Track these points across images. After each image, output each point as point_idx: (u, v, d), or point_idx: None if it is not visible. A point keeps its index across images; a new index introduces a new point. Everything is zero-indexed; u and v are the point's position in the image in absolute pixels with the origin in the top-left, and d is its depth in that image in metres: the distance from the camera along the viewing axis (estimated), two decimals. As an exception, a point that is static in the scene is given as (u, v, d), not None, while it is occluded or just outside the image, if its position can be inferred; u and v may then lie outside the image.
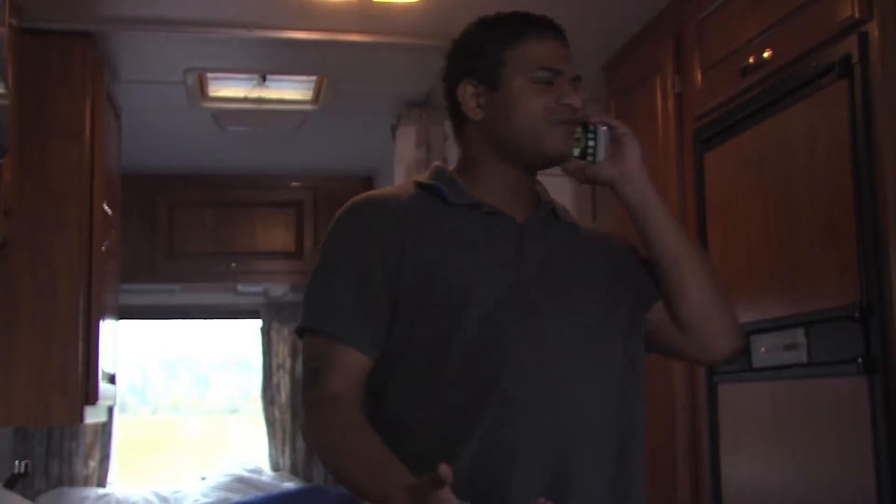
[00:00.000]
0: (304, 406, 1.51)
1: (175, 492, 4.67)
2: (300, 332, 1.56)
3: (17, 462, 2.80)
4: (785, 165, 2.14)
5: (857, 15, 1.91)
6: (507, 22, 1.58)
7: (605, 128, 1.56)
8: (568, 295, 1.49)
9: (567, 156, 1.53)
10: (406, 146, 3.65)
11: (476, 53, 1.56)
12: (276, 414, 5.09)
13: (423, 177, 1.60)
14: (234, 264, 4.62)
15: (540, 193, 1.61)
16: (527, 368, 1.42)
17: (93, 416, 2.90)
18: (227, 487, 4.66)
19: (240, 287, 4.80)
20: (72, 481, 4.63)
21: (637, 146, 1.56)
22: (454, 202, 1.52)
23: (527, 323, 1.44)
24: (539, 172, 1.58)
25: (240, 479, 4.74)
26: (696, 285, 1.54)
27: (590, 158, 1.55)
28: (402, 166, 3.67)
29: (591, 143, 1.55)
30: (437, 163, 1.67)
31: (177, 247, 4.59)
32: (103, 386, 2.90)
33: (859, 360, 1.85)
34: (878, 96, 1.87)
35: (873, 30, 1.88)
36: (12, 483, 2.69)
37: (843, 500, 1.93)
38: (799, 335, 2.05)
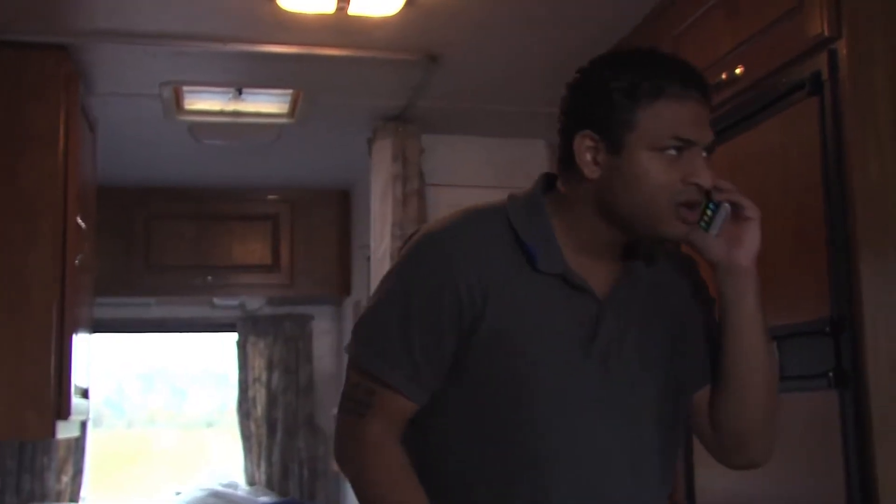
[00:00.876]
0: (340, 430, 1.44)
1: (151, 508, 4.64)
2: (354, 357, 1.45)
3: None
4: (756, 180, 2.15)
5: (826, 33, 1.93)
6: (645, 70, 1.37)
7: (727, 204, 1.40)
8: (625, 383, 1.39)
9: (684, 238, 1.39)
10: (382, 160, 3.65)
11: (602, 104, 1.37)
12: (252, 428, 5.07)
13: (520, 217, 1.42)
14: (210, 277, 4.61)
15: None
16: (561, 463, 1.37)
17: (65, 430, 2.87)
18: (202, 502, 4.63)
19: (216, 300, 4.78)
20: (44, 497, 4.58)
21: (758, 237, 1.42)
22: (544, 270, 1.38)
23: (574, 416, 1.38)
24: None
25: (215, 494, 4.71)
26: (753, 407, 1.42)
27: (703, 225, 1.40)
28: (379, 180, 3.67)
29: (709, 212, 1.39)
30: (540, 198, 1.46)
31: (153, 260, 4.57)
32: (76, 400, 2.87)
33: (830, 374, 1.86)
34: (847, 112, 1.88)
35: (842, 47, 1.90)
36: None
37: (815, 514, 1.94)
38: (800, 346, 2.06)
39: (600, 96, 1.37)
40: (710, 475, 2.34)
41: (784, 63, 2.06)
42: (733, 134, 2.24)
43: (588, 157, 1.38)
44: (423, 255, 1.41)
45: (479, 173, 3.78)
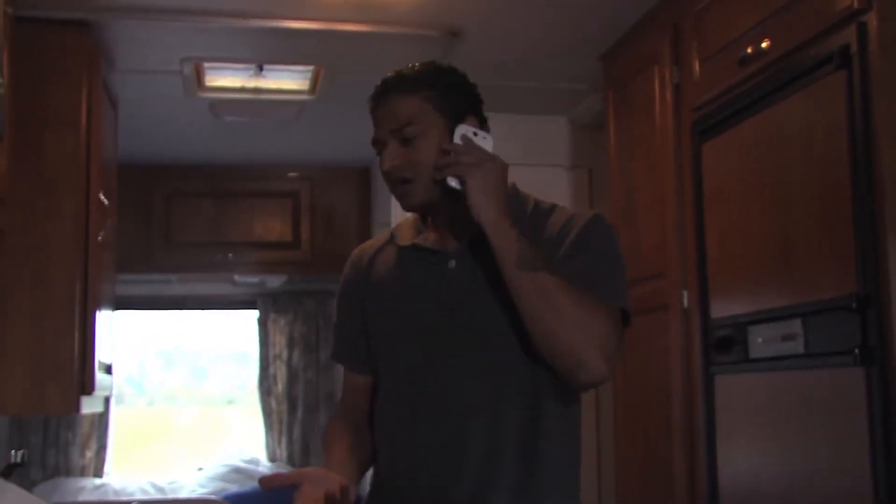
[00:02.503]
0: None
1: (172, 482, 4.68)
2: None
3: (13, 451, 2.79)
4: (782, 156, 2.14)
5: (856, 5, 1.90)
6: None
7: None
8: (466, 315, 1.65)
9: (409, 207, 1.70)
10: (404, 136, 3.63)
11: None
12: (273, 405, 5.10)
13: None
14: (230, 255, 4.62)
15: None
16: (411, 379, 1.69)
17: (89, 406, 2.89)
18: (223, 478, 4.66)
19: (237, 277, 4.79)
20: (68, 471, 4.64)
21: (471, 192, 1.56)
22: (399, 243, 1.77)
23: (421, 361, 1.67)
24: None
25: (236, 470, 4.74)
26: (541, 333, 1.54)
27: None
28: (400, 157, 3.65)
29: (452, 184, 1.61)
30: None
31: (173, 237, 4.59)
32: (100, 376, 2.89)
33: (856, 350, 1.85)
34: (876, 87, 1.86)
35: (872, 20, 1.88)
36: (8, 472, 2.68)
37: (840, 491, 1.93)
38: (796, 326, 2.05)
39: None
40: (733, 454, 2.34)
41: (812, 36, 2.04)
42: (759, 108, 2.22)
43: None
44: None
45: (500, 150, 3.72)
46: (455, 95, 1.66)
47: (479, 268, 1.64)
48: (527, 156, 3.76)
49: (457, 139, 1.60)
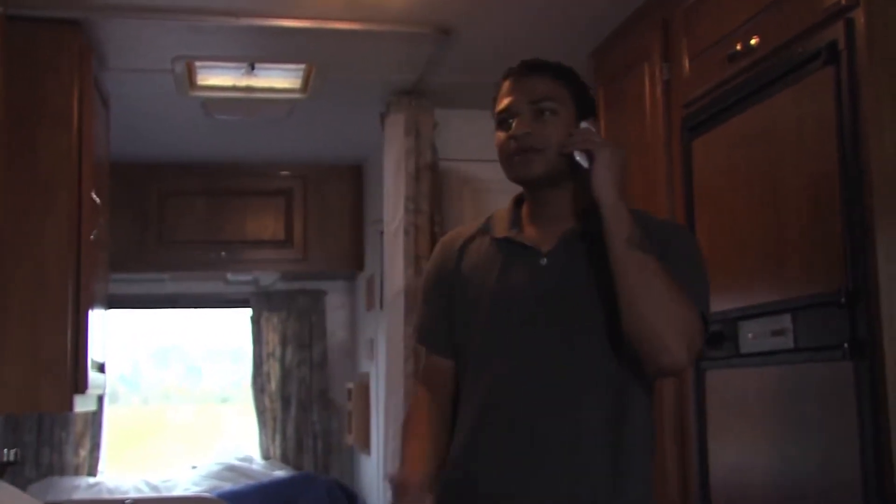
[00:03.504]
0: None
1: (166, 480, 4.68)
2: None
3: (6, 450, 2.79)
4: (772, 151, 2.14)
5: (843, 2, 1.91)
6: None
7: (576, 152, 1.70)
8: (556, 311, 1.70)
9: (528, 176, 1.72)
10: (395, 134, 3.65)
11: None
12: (267, 403, 5.10)
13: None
14: (223, 253, 4.62)
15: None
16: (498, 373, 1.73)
17: (82, 404, 2.89)
18: (217, 476, 4.66)
19: (230, 276, 4.79)
20: (62, 470, 4.63)
21: (599, 171, 1.66)
22: (494, 235, 1.81)
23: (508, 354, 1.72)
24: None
25: (230, 468, 4.75)
26: (636, 315, 1.61)
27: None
28: (392, 154, 3.67)
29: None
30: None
31: (166, 236, 4.59)
32: (93, 374, 2.89)
33: (845, 345, 1.85)
34: (864, 83, 1.87)
35: (859, 16, 1.88)
36: (1, 471, 2.68)
37: (829, 485, 1.94)
38: (785, 321, 2.06)
39: None
40: (724, 448, 2.35)
41: (800, 33, 2.04)
42: (749, 104, 2.22)
43: None
44: None
45: (492, 148, 3.72)
46: (585, 94, 1.78)
47: (570, 266, 1.70)
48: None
49: (582, 128, 1.71)
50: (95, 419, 4.75)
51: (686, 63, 2.55)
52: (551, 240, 1.73)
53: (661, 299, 1.60)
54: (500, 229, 1.79)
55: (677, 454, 2.57)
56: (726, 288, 2.34)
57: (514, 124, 1.71)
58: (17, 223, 2.71)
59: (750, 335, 2.20)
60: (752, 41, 2.20)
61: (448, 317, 1.81)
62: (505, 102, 1.74)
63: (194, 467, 4.86)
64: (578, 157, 1.66)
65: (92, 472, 4.74)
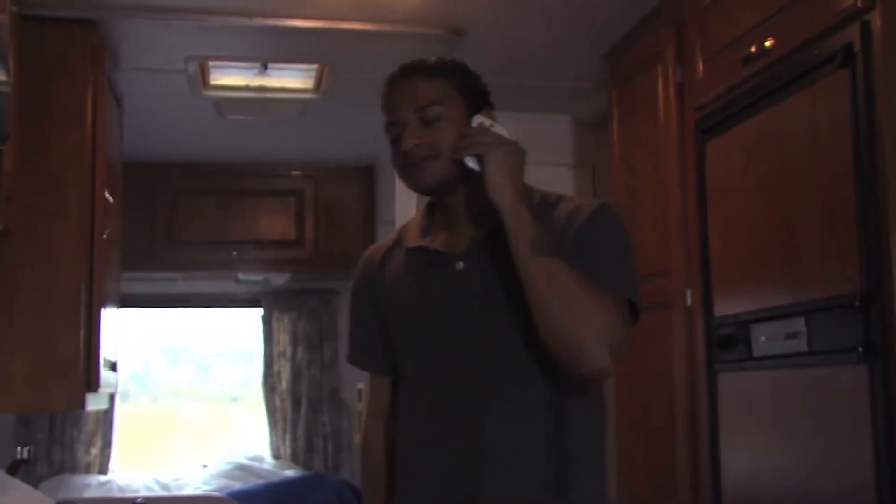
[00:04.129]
0: None
1: (176, 479, 4.68)
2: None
3: (19, 448, 2.80)
4: (786, 154, 2.13)
5: (859, 4, 1.90)
6: None
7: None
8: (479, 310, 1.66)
9: (425, 186, 1.68)
10: (408, 135, 3.64)
11: None
12: (277, 402, 5.10)
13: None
14: (234, 253, 4.62)
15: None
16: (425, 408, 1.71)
17: (94, 403, 2.90)
18: (228, 475, 4.67)
19: (240, 276, 4.79)
20: (73, 468, 4.64)
21: (492, 170, 1.57)
22: (407, 245, 1.77)
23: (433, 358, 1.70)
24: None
25: (241, 467, 4.75)
26: (545, 318, 1.53)
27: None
28: (404, 155, 3.65)
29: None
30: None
31: (178, 235, 4.59)
32: (105, 373, 2.89)
33: (859, 348, 1.84)
34: (879, 85, 1.86)
35: (875, 18, 1.87)
36: (14, 469, 2.69)
37: (843, 488, 1.93)
38: (799, 324, 2.05)
39: None
40: (736, 451, 2.34)
41: (815, 35, 2.03)
42: (763, 107, 2.22)
43: None
44: None
45: (503, 148, 3.74)
46: (474, 86, 1.70)
47: (487, 268, 1.64)
48: (530, 154, 3.72)
49: (475, 125, 1.63)
50: (107, 417, 4.76)
51: (700, 65, 2.54)
52: (464, 243, 1.69)
53: (573, 304, 1.51)
54: (413, 238, 1.76)
55: (688, 456, 2.56)
56: (739, 290, 2.33)
57: (403, 137, 1.64)
58: (29, 222, 2.72)
59: (763, 338, 2.19)
60: (767, 43, 2.20)
61: (380, 333, 1.79)
62: (390, 115, 1.68)
63: (205, 466, 4.86)
64: (471, 163, 1.59)
65: (103, 470, 4.75)
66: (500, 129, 1.64)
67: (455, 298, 1.67)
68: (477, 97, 1.69)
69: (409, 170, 1.66)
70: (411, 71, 1.68)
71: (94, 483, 4.54)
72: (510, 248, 1.55)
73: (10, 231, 2.63)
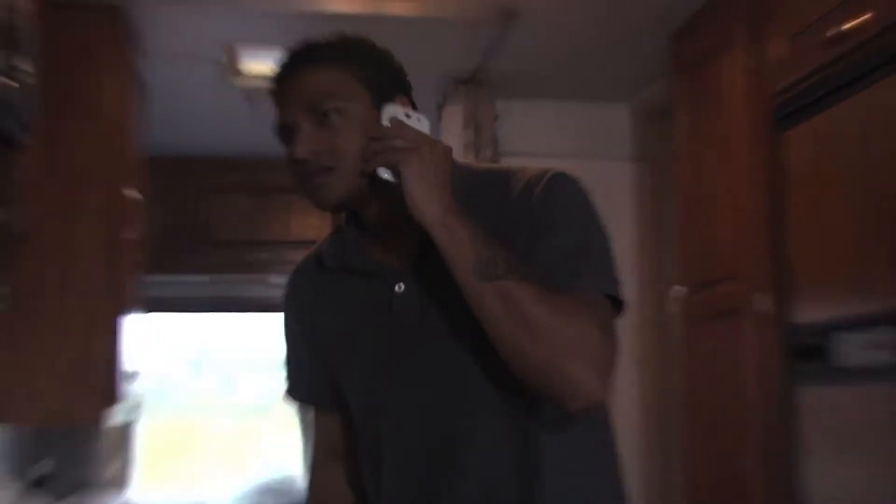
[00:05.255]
0: None
1: (201, 500, 4.70)
2: None
3: (40, 462, 2.82)
4: (875, 145, 2.09)
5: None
6: None
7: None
8: (436, 358, 1.46)
9: (328, 205, 1.46)
10: (453, 127, 3.64)
11: None
12: (310, 417, 5.09)
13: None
14: (265, 254, 4.63)
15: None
16: (385, 453, 1.52)
17: (115, 415, 2.92)
18: (257, 495, 4.68)
19: (271, 278, 4.80)
20: (92, 485, 4.67)
21: (410, 183, 1.36)
22: (330, 265, 1.58)
23: (386, 407, 1.51)
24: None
25: (270, 488, 4.76)
26: (510, 352, 1.33)
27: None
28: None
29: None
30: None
31: (206, 235, 4.60)
32: (126, 384, 2.91)
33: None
34: None
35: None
36: (37, 484, 2.71)
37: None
38: (887, 333, 2.01)
39: None
40: (817, 474, 2.30)
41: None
42: (850, 93, 2.17)
43: None
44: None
45: (557, 141, 3.74)
46: (381, 69, 1.47)
47: (433, 286, 1.44)
48: (583, 148, 3.76)
49: (385, 121, 1.41)
50: (127, 431, 4.79)
51: (778, 45, 2.49)
52: (398, 257, 1.49)
53: (540, 330, 1.30)
54: (335, 254, 1.57)
55: (763, 479, 2.52)
56: (820, 296, 2.29)
57: (294, 145, 1.43)
58: (49, 223, 2.73)
59: (845, 348, 2.15)
60: (856, 22, 2.13)
61: (320, 365, 1.62)
62: (278, 116, 1.47)
63: (232, 485, 4.88)
64: (385, 175, 1.37)
65: (123, 487, 4.78)
66: (417, 122, 1.42)
67: (396, 328, 1.47)
68: (387, 83, 1.45)
69: (306, 184, 1.44)
70: (299, 59, 1.46)
71: (113, 501, 4.58)
72: (451, 271, 1.34)
73: (29, 232, 2.64)
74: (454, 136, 3.63)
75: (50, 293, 2.75)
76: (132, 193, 2.94)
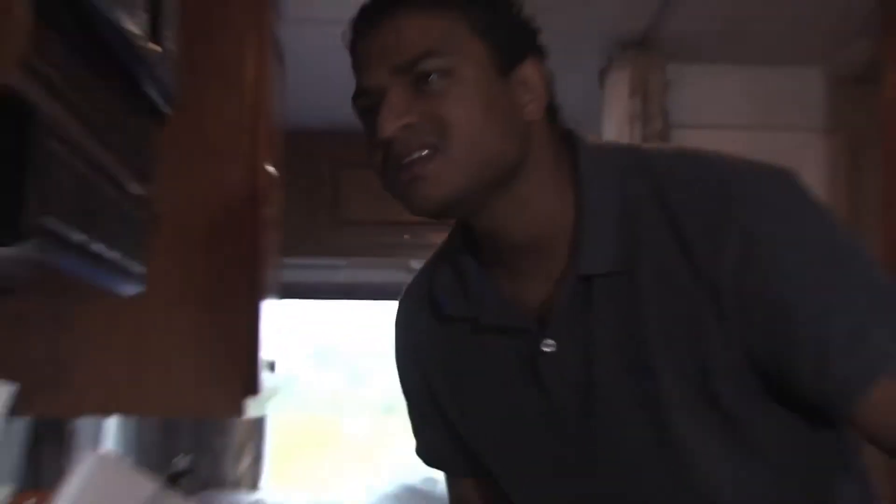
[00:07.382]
0: None
1: (336, 501, 4.78)
2: None
3: (179, 457, 2.92)
4: None
5: None
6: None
7: None
8: (614, 441, 1.20)
9: (429, 209, 1.22)
10: (617, 96, 3.61)
11: None
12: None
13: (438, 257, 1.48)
14: (406, 236, 4.65)
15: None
16: None
17: (254, 409, 2.97)
18: (395, 499, 4.73)
19: (413, 263, 4.84)
20: (221, 483, 4.80)
21: None
22: (450, 314, 1.34)
23: (558, 483, 1.29)
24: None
25: (411, 490, 4.81)
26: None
27: None
28: (613, 120, 3.63)
29: None
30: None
31: (342, 215, 4.65)
32: (265, 375, 2.97)
33: None
34: None
35: None
36: (175, 480, 2.80)
37: None
38: None
39: None
40: None
41: None
42: None
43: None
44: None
45: (737, 111, 3.70)
46: (506, 18, 1.23)
47: (600, 346, 1.17)
48: (768, 117, 3.71)
49: None
50: (258, 426, 4.91)
51: None
52: (541, 298, 1.21)
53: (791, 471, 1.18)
54: (451, 300, 1.33)
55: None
56: None
57: (381, 118, 1.17)
58: (183, 199, 2.80)
59: None
60: None
61: (448, 430, 1.47)
62: (360, 79, 1.22)
63: (369, 487, 4.95)
64: None
65: (254, 486, 4.90)
66: None
67: (546, 404, 1.23)
68: (514, 38, 1.23)
69: (395, 179, 1.22)
70: (391, 2, 1.20)
71: (244, 502, 4.70)
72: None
73: (164, 214, 2.70)
74: (618, 106, 3.62)
75: (187, 278, 2.82)
76: (271, 169, 3.00)
